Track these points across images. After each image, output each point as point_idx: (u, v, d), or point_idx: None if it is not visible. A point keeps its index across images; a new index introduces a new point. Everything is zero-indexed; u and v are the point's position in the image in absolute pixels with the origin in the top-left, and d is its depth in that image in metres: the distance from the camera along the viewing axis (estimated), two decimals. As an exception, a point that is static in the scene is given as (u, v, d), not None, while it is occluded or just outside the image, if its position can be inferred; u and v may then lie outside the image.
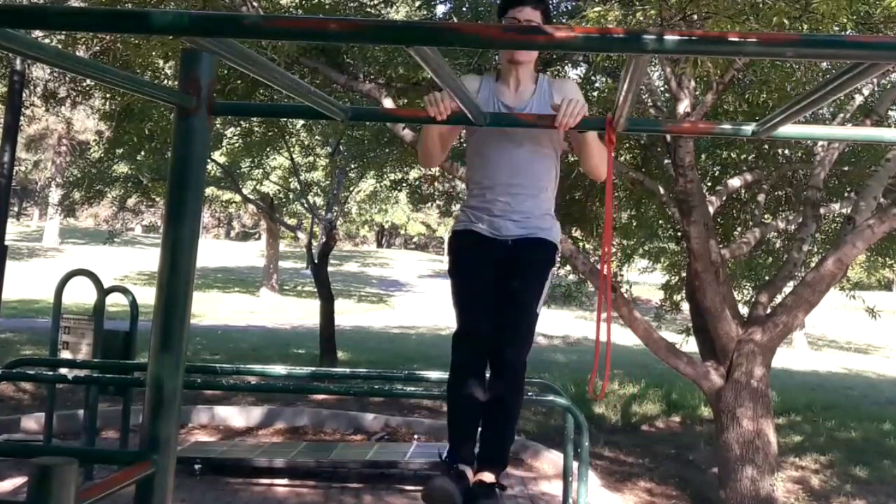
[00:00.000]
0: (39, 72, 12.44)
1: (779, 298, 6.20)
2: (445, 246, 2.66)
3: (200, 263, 2.34)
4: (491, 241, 2.71)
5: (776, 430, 5.93)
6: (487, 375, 2.64)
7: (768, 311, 5.97)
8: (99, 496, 1.56)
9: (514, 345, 2.58)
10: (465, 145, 10.07)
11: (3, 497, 5.00)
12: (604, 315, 2.30)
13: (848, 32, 4.80)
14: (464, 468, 2.53)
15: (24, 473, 5.10)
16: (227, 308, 20.42)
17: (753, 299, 6.42)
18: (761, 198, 7.32)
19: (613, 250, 8.97)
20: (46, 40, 6.44)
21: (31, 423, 6.74)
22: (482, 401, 2.58)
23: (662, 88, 6.94)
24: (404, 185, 13.57)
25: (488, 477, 2.52)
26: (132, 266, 28.43)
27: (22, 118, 8.71)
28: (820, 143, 6.35)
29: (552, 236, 2.76)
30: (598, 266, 6.37)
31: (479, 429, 2.62)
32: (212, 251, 34.50)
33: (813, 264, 6.25)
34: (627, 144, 7.62)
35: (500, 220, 2.71)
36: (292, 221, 20.73)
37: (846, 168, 7.27)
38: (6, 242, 6.64)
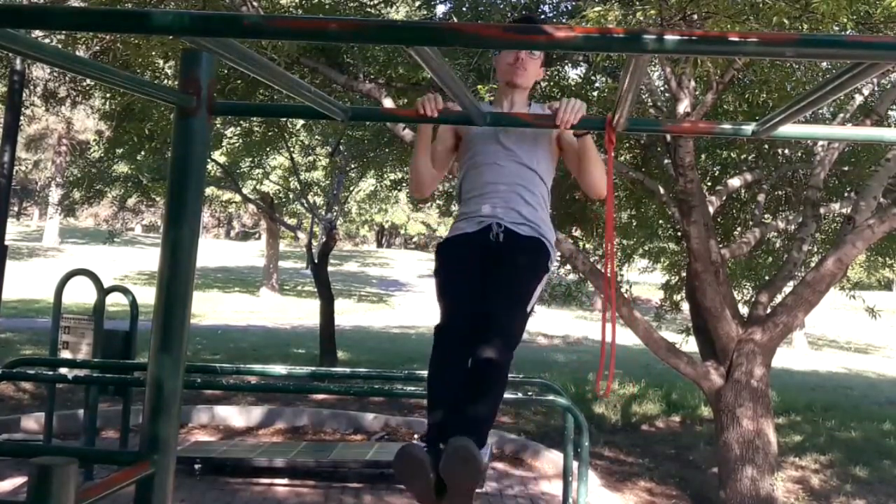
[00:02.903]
0: (39, 72, 12.45)
1: (779, 298, 6.19)
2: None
3: (200, 263, 2.34)
4: (479, 240, 2.60)
5: (776, 429, 5.93)
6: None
7: (768, 310, 5.97)
8: (99, 496, 1.56)
9: (499, 341, 2.42)
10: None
11: (3, 497, 5.00)
12: (609, 314, 2.26)
13: (848, 32, 4.79)
14: (441, 446, 2.33)
15: (24, 473, 5.10)
16: (227, 308, 20.41)
17: (753, 299, 6.42)
18: (761, 198, 7.32)
19: (614, 250, 8.95)
20: (46, 40, 6.44)
21: (31, 423, 6.74)
22: (462, 392, 2.42)
23: (662, 88, 6.94)
24: (404, 184, 13.57)
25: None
26: (132, 266, 28.43)
27: (22, 118, 8.72)
28: (820, 143, 6.35)
29: (546, 238, 2.64)
30: (598, 266, 6.37)
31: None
32: (212, 251, 34.51)
33: (813, 264, 6.25)
34: (627, 144, 7.62)
35: (490, 209, 2.61)
36: (292, 221, 20.72)
37: (846, 168, 7.27)
38: (6, 242, 6.65)
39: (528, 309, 2.57)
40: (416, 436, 7.30)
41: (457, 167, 2.87)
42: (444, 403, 2.45)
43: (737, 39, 1.34)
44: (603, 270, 6.06)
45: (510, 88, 2.73)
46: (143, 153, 10.69)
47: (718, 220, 7.43)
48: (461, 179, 2.79)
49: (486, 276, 2.53)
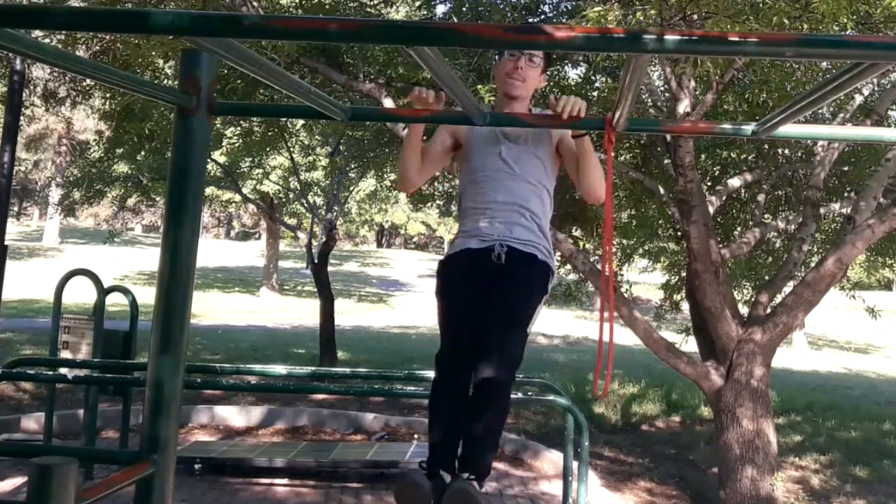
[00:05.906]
0: (39, 72, 12.44)
1: (779, 298, 6.19)
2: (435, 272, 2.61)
3: (200, 263, 2.34)
4: (480, 258, 2.60)
5: (776, 429, 5.94)
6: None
7: (768, 310, 5.97)
8: (99, 496, 1.56)
9: (500, 362, 2.45)
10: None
11: (3, 497, 5.00)
12: (606, 315, 2.26)
13: (848, 32, 4.79)
14: (442, 473, 2.43)
15: (24, 473, 5.10)
16: (227, 308, 20.41)
17: (753, 299, 6.42)
18: (761, 198, 7.32)
19: (613, 250, 8.97)
20: (46, 40, 6.43)
21: (31, 423, 6.74)
22: (464, 415, 2.47)
23: (662, 88, 6.94)
24: (404, 184, 13.55)
25: (466, 476, 2.43)
26: (132, 266, 28.43)
27: (22, 118, 8.71)
28: (820, 143, 6.35)
29: (547, 258, 2.65)
30: (598, 266, 6.37)
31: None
32: (212, 251, 34.51)
33: (813, 264, 6.25)
34: (627, 144, 7.62)
35: (492, 227, 2.61)
36: (292, 221, 20.73)
37: (846, 168, 7.27)
38: (6, 242, 6.64)
39: (531, 324, 2.59)
40: (415, 436, 7.30)
41: (457, 169, 2.87)
42: (446, 430, 2.50)
43: (737, 39, 1.34)
44: (601, 270, 6.07)
45: (508, 100, 2.70)
46: (143, 153, 10.69)
47: (718, 220, 7.43)
48: (461, 192, 2.78)
49: (487, 298, 2.53)
